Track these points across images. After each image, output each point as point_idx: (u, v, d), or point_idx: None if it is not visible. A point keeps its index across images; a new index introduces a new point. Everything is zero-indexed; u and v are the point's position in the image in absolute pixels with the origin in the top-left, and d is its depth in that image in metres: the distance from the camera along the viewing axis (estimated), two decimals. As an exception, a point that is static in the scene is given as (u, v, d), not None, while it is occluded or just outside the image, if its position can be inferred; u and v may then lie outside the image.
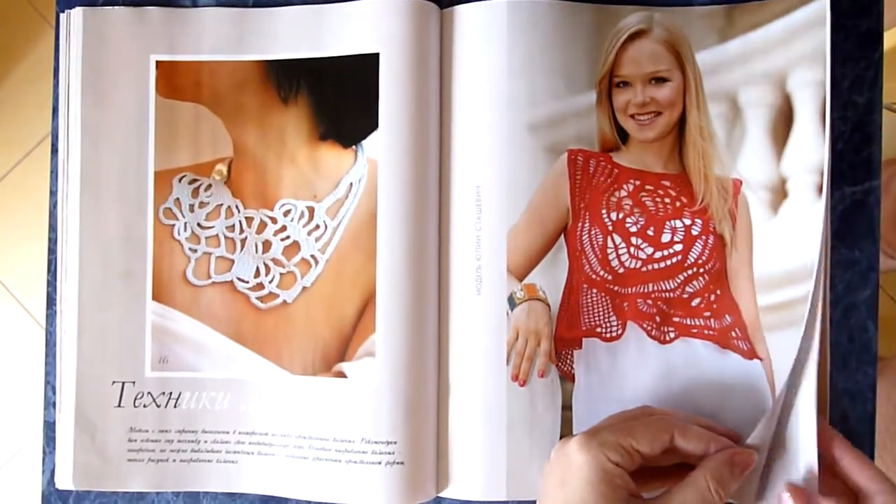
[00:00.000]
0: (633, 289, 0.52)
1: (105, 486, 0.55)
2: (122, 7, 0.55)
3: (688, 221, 0.51)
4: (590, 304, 0.52)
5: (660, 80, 0.52)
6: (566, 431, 0.52)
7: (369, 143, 0.53)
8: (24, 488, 1.41)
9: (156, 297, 0.55)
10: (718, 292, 0.51)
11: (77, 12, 0.55)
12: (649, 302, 0.51)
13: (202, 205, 0.55)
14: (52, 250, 0.56)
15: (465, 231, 0.53)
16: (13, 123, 1.43)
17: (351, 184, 0.53)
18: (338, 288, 0.54)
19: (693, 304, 0.51)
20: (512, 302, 0.52)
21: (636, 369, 0.51)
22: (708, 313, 0.51)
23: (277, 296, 0.55)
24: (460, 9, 0.53)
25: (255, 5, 0.55)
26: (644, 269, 0.51)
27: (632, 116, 0.52)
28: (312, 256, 0.54)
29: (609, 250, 0.52)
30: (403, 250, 0.52)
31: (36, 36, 1.43)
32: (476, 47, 0.53)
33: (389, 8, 0.52)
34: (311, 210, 0.54)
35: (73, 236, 0.55)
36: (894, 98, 1.04)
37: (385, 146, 0.52)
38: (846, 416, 0.53)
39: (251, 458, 0.54)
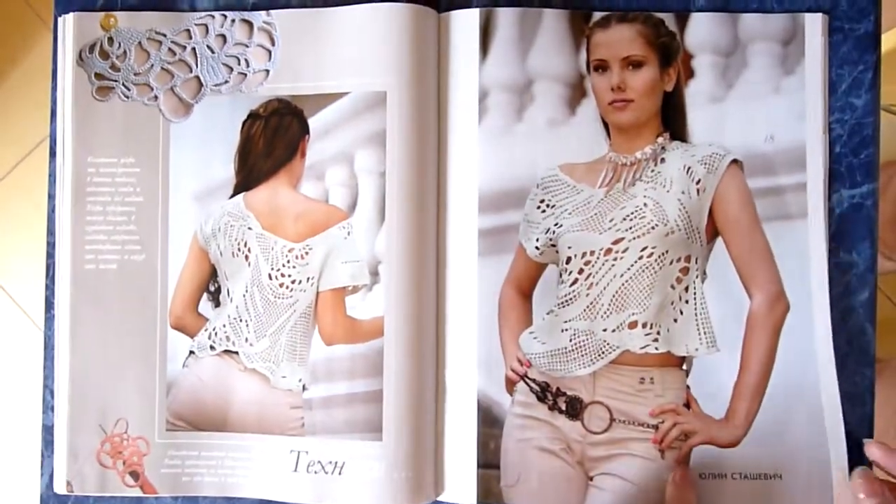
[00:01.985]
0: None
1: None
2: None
3: None
4: None
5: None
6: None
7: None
8: (24, 492, 1.41)
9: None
10: None
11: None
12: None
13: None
14: (50, 254, 0.56)
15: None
16: (12, 124, 1.43)
17: None
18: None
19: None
20: None
21: None
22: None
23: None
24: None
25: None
26: None
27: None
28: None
29: None
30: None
31: (34, 37, 1.44)
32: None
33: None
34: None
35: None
36: (893, 100, 1.03)
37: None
38: (845, 420, 0.53)
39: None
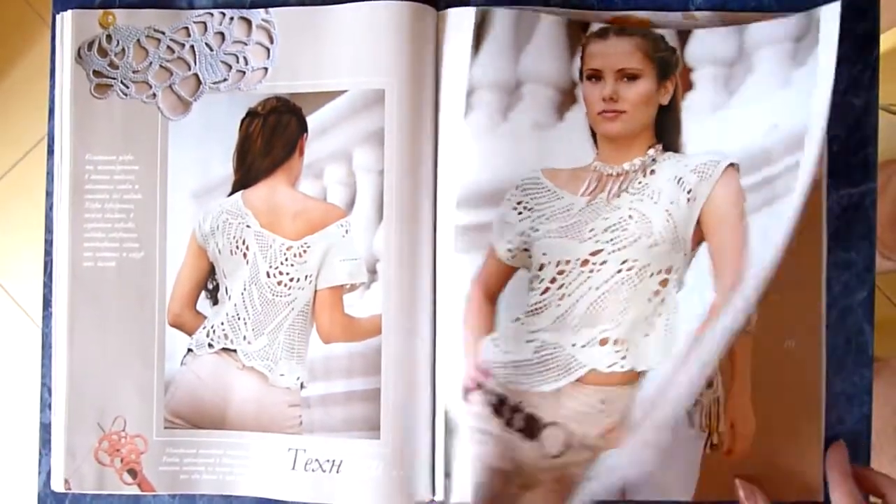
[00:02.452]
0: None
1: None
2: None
3: None
4: None
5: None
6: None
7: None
8: (21, 490, 1.41)
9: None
10: None
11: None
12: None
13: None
14: (48, 251, 0.56)
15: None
16: (12, 123, 1.43)
17: None
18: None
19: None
20: None
21: None
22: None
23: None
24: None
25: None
26: None
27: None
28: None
29: None
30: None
31: (34, 35, 1.44)
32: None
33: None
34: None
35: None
36: (892, 100, 1.04)
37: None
38: (842, 419, 0.53)
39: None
